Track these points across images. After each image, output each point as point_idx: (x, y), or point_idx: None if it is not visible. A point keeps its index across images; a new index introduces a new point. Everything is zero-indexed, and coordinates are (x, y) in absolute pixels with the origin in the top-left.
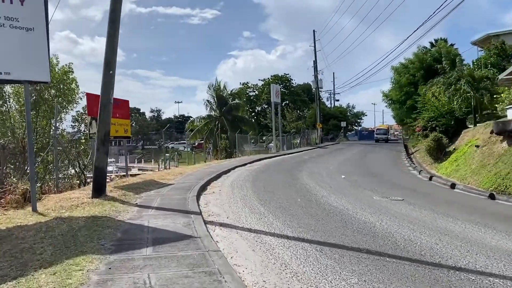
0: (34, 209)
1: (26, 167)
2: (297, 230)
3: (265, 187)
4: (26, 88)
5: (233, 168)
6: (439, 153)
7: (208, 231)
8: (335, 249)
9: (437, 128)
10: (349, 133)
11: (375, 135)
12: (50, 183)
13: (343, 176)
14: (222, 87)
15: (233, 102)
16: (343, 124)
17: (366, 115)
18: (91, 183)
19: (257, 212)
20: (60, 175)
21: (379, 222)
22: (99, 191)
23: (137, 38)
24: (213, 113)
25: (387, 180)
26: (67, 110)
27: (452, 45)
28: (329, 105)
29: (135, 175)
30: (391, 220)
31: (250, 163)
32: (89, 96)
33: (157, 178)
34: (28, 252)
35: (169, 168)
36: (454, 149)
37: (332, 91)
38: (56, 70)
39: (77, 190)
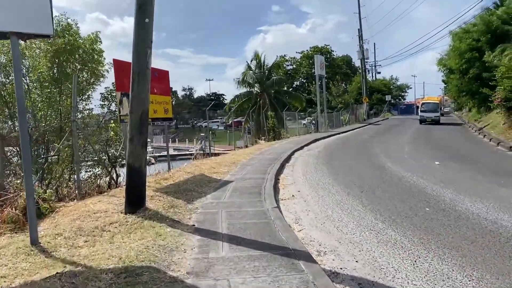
0: (34, 241)
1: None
2: None
3: (356, 184)
4: (13, 44)
5: (292, 154)
6: None
7: None
8: None
9: None
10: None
11: (419, 114)
12: (70, 183)
13: (436, 163)
14: (262, 60)
15: (276, 76)
16: (388, 98)
17: (410, 88)
18: (124, 188)
19: (395, 243)
20: (84, 173)
21: None
22: (135, 203)
23: (165, 17)
24: (253, 89)
25: (499, 168)
26: (95, 87)
27: None
28: (370, 79)
29: (175, 156)
30: None
31: (306, 145)
32: (118, 64)
33: (208, 171)
34: None
35: (205, 154)
36: None
37: (373, 63)
38: (79, 40)
39: (105, 196)
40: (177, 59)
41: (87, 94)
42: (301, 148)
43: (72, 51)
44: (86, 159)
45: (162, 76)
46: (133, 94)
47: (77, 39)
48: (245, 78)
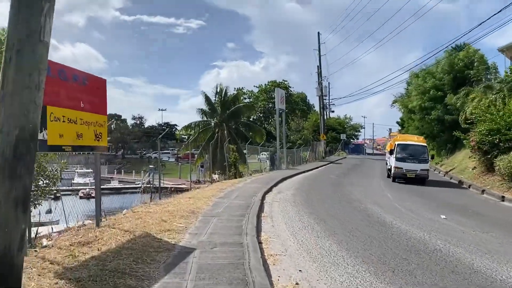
0: None
1: None
2: None
3: (375, 255)
4: None
5: (263, 198)
6: None
7: None
8: None
9: (501, 144)
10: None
11: (394, 162)
12: None
13: (443, 217)
14: (223, 91)
15: (238, 105)
16: (343, 136)
17: (364, 128)
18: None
19: None
20: None
21: None
22: None
23: (119, 45)
24: (212, 119)
25: None
26: None
27: (477, 50)
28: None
29: (119, 189)
30: None
31: (274, 186)
32: None
33: (156, 227)
34: None
35: (154, 190)
36: None
37: (328, 101)
38: None
39: None
40: (128, 88)
41: None
42: (270, 189)
43: None
44: None
45: (94, 86)
46: (4, 91)
47: None
48: (202, 109)
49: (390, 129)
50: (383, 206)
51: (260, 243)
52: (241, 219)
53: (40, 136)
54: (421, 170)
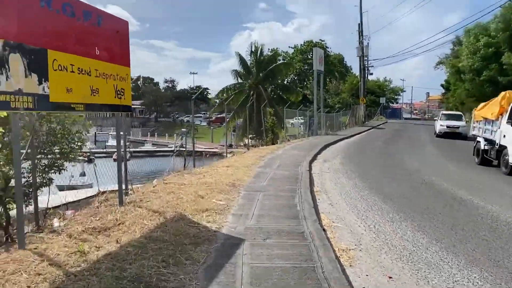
0: None
1: None
2: None
3: (491, 258)
4: None
5: (309, 168)
6: None
7: None
8: None
9: None
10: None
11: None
12: None
13: None
14: (259, 50)
15: (273, 65)
16: (383, 100)
17: (404, 91)
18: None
19: None
20: None
21: None
22: None
23: (150, 7)
24: (247, 81)
25: None
26: None
27: None
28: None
29: (153, 152)
30: None
31: (317, 153)
32: None
33: (191, 206)
34: None
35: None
36: None
37: (367, 62)
38: None
39: None
40: (161, 51)
41: None
42: (314, 157)
43: None
44: None
45: (113, 28)
46: None
47: None
48: (237, 70)
49: (428, 93)
50: (450, 179)
51: (323, 230)
52: (291, 195)
53: (39, 90)
54: None
